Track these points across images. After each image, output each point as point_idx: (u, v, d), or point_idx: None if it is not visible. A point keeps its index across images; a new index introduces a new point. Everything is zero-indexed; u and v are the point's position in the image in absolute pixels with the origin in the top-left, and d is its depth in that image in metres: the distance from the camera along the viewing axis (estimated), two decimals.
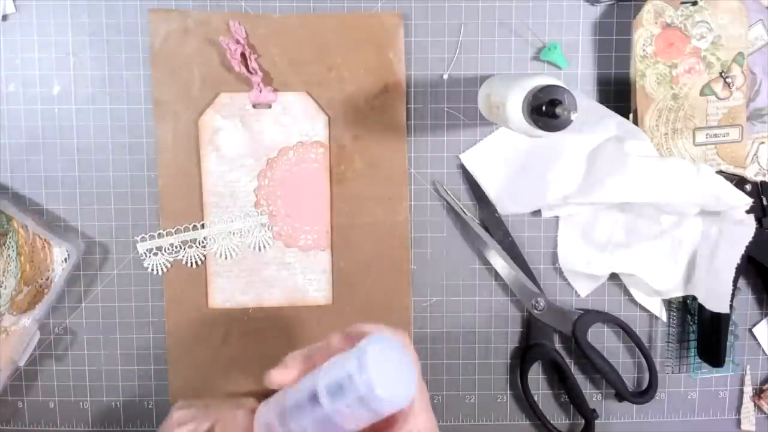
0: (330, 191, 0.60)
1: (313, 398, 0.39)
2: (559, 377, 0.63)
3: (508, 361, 0.64)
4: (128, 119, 0.60)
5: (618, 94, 0.61)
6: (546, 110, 0.46)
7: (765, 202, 0.60)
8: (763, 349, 0.64)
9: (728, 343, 0.61)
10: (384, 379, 0.37)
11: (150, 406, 0.62)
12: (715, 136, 0.60)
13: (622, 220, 0.61)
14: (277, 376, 0.43)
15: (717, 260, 0.58)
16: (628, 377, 0.64)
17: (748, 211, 0.59)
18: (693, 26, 0.58)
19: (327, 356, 0.40)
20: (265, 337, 0.61)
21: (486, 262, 0.61)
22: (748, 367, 0.64)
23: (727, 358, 0.61)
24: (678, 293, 0.61)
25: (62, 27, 0.59)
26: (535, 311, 0.61)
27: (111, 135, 0.60)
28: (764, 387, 0.64)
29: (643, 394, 0.62)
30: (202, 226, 0.60)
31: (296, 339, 0.61)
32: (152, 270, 0.60)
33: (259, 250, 0.61)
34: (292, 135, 0.60)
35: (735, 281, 0.58)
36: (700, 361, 0.63)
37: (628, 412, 0.64)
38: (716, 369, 0.62)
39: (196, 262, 0.60)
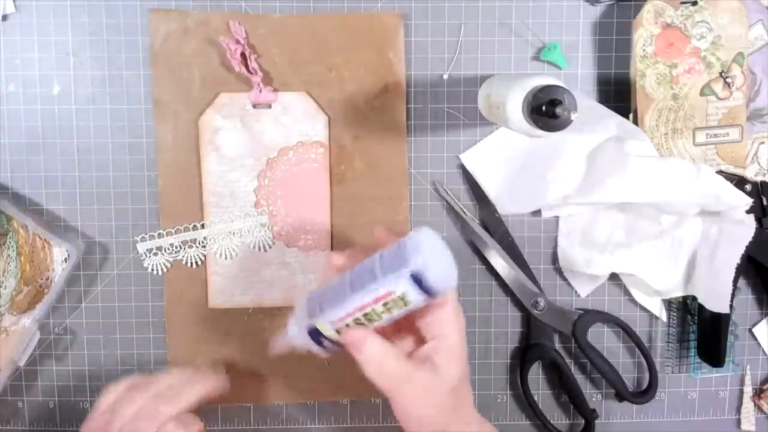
0: (330, 191, 0.60)
1: (371, 276, 0.43)
2: (559, 377, 0.63)
3: (508, 361, 0.64)
4: (128, 119, 0.60)
5: (618, 94, 0.61)
6: (546, 110, 0.46)
7: (765, 202, 0.60)
8: (763, 349, 0.64)
9: (728, 343, 0.61)
10: (434, 262, 0.41)
11: None
12: (715, 136, 0.60)
13: (622, 220, 0.61)
14: (336, 258, 0.47)
15: (717, 260, 0.58)
16: (628, 377, 0.64)
17: (748, 211, 0.59)
18: (693, 26, 0.58)
19: (373, 250, 0.44)
20: (265, 337, 0.61)
21: (486, 262, 0.61)
22: (748, 367, 0.64)
23: (727, 358, 0.61)
24: (678, 293, 0.61)
25: (62, 27, 0.59)
26: (535, 311, 0.61)
27: (111, 135, 0.60)
28: (764, 387, 0.64)
29: (643, 394, 0.62)
30: (202, 226, 0.60)
31: None
32: (152, 270, 0.60)
33: (259, 250, 0.61)
34: (292, 135, 0.60)
35: (735, 281, 0.58)
36: (700, 361, 0.63)
37: (628, 412, 0.64)
38: (716, 369, 0.62)
39: (196, 262, 0.60)
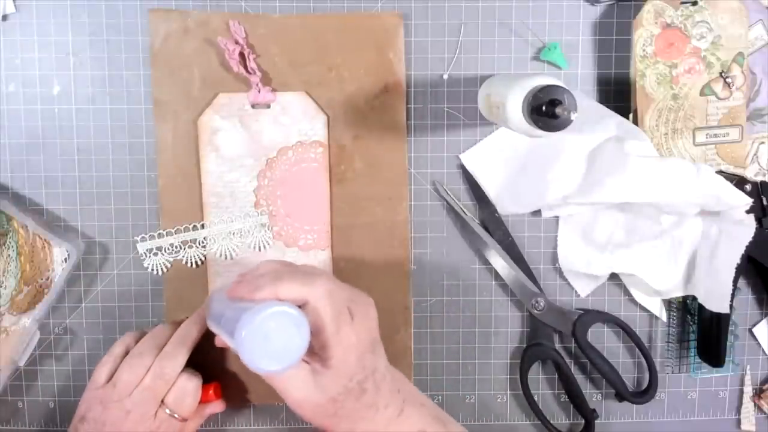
0: (330, 191, 0.60)
1: (218, 320, 0.49)
2: (559, 377, 0.63)
3: (508, 361, 0.64)
4: (128, 119, 0.60)
5: (618, 94, 0.61)
6: (546, 110, 0.46)
7: (765, 202, 0.60)
8: (763, 349, 0.64)
9: (728, 343, 0.61)
10: (258, 352, 0.42)
11: None
12: (715, 136, 0.60)
13: (622, 220, 0.61)
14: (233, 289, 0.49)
15: (717, 260, 0.58)
16: (628, 377, 0.64)
17: (748, 211, 0.59)
18: (693, 26, 0.58)
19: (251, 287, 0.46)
20: None
21: (486, 262, 0.61)
22: (748, 367, 0.64)
23: (727, 358, 0.61)
24: (678, 293, 0.61)
25: (62, 27, 0.59)
26: (535, 311, 0.61)
27: (111, 135, 0.60)
28: (764, 387, 0.64)
29: (643, 394, 0.62)
30: (202, 226, 0.60)
31: None
32: (152, 270, 0.60)
33: (259, 250, 0.61)
34: (291, 135, 0.60)
35: (735, 281, 0.58)
36: (700, 361, 0.63)
37: (628, 412, 0.64)
38: (716, 369, 0.62)
39: (196, 262, 0.60)
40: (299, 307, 0.45)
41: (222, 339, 0.51)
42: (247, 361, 0.42)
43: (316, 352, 0.47)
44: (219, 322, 0.49)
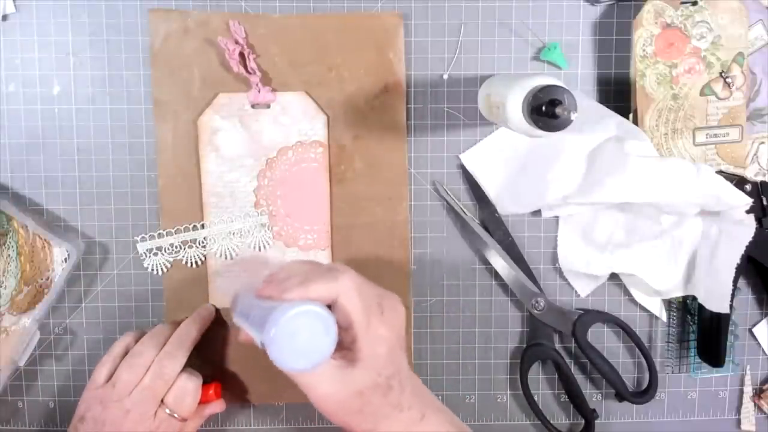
0: (330, 191, 0.60)
1: (247, 316, 0.49)
2: (559, 377, 0.63)
3: (508, 361, 0.64)
4: (128, 119, 0.60)
5: (618, 94, 0.61)
6: (546, 110, 0.46)
7: (765, 202, 0.60)
8: (763, 349, 0.64)
9: (728, 343, 0.61)
10: (286, 350, 0.43)
11: None
12: (715, 136, 0.60)
13: (622, 220, 0.61)
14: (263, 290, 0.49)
15: (717, 260, 0.58)
16: (628, 377, 0.64)
17: (748, 211, 0.59)
18: (693, 26, 0.58)
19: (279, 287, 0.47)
20: None
21: (486, 262, 0.61)
22: (748, 367, 0.64)
23: (727, 358, 0.61)
24: (678, 293, 0.61)
25: (62, 27, 0.59)
26: (535, 311, 0.61)
27: (111, 135, 0.60)
28: (764, 387, 0.64)
29: (643, 394, 0.62)
30: (202, 226, 0.60)
31: None
32: (152, 270, 0.60)
33: (259, 250, 0.61)
34: (290, 135, 0.60)
35: (735, 281, 0.58)
36: (700, 361, 0.63)
37: (628, 412, 0.64)
38: (716, 369, 0.62)
39: (196, 262, 0.60)
40: (329, 305, 0.45)
41: (246, 335, 0.51)
42: (275, 359, 0.42)
43: (346, 346, 0.46)
44: (247, 318, 0.48)
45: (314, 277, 0.46)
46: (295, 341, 0.43)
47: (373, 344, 0.46)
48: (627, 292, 0.63)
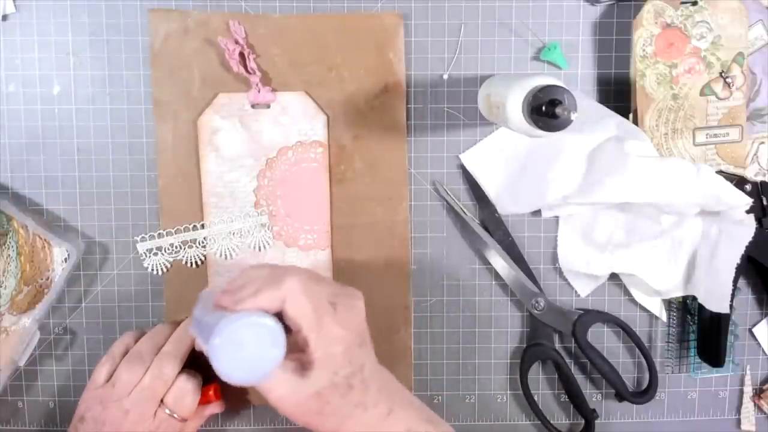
0: (330, 191, 0.60)
1: (197, 325, 0.49)
2: (559, 377, 0.63)
3: (508, 361, 0.64)
4: (128, 119, 0.60)
5: (618, 94, 0.61)
6: (546, 110, 0.46)
7: (765, 202, 0.60)
8: (763, 349, 0.64)
9: (728, 343, 0.61)
10: (231, 362, 0.42)
11: None
12: (715, 136, 0.60)
13: (622, 220, 0.61)
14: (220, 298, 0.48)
15: (717, 260, 0.58)
16: (628, 377, 0.64)
17: (748, 211, 0.59)
18: (693, 26, 0.58)
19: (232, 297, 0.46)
20: None
21: (486, 262, 0.61)
22: (748, 367, 0.64)
23: (727, 358, 0.61)
24: (678, 293, 0.61)
25: (62, 27, 0.59)
26: (535, 311, 0.61)
27: (111, 135, 0.60)
28: (764, 387, 0.64)
29: (643, 394, 0.62)
30: (202, 226, 0.60)
31: None
32: (152, 270, 0.60)
33: (259, 250, 0.61)
34: (290, 135, 0.60)
35: (735, 281, 0.58)
36: (700, 361, 0.63)
37: (628, 412, 0.64)
38: (716, 369, 0.62)
39: (196, 262, 0.60)
40: (280, 313, 0.45)
41: (200, 344, 0.50)
42: (220, 371, 0.42)
43: (300, 348, 0.46)
44: (198, 327, 0.48)
45: (263, 285, 0.45)
46: (240, 353, 0.42)
47: (326, 344, 0.45)
48: (627, 292, 0.63)
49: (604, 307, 0.63)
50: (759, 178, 0.61)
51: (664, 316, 0.63)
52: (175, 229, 0.60)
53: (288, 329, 0.45)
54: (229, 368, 0.42)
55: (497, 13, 0.60)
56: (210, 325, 0.43)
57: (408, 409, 0.48)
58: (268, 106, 0.59)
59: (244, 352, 0.42)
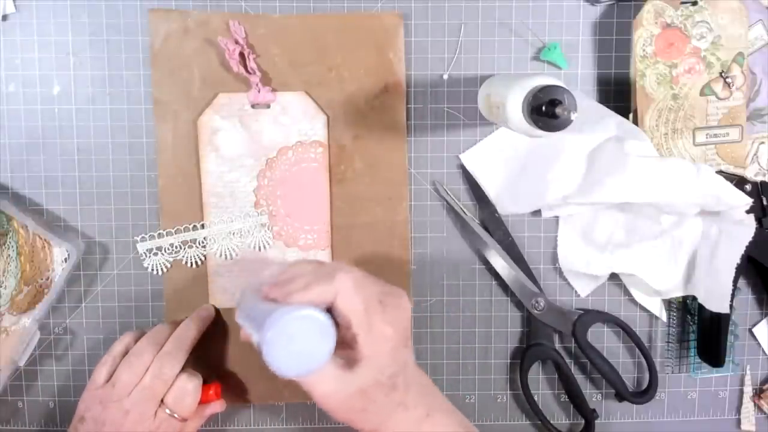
0: (330, 191, 0.60)
1: (247, 314, 0.48)
2: (559, 377, 0.63)
3: (508, 361, 0.64)
4: (128, 119, 0.60)
5: (618, 94, 0.61)
6: (546, 110, 0.46)
7: (765, 202, 0.60)
8: (763, 349, 0.64)
9: (728, 343, 0.61)
10: (281, 354, 0.42)
11: None
12: (715, 136, 0.60)
13: (622, 220, 0.61)
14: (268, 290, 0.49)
15: (717, 260, 0.58)
16: (628, 377, 0.64)
17: (748, 211, 0.59)
18: (693, 26, 0.58)
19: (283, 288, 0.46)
20: None
21: (486, 262, 0.61)
22: (748, 367, 0.64)
23: (727, 358, 0.61)
24: (678, 293, 0.61)
25: (62, 27, 0.59)
26: (535, 311, 0.61)
27: (111, 135, 0.60)
28: (764, 387, 0.64)
29: (643, 394, 0.62)
30: (202, 226, 0.60)
31: None
32: (152, 270, 0.60)
33: (259, 250, 0.61)
34: (290, 135, 0.60)
35: (735, 281, 0.58)
36: (700, 361, 0.63)
37: (628, 412, 0.64)
38: (716, 369, 0.62)
39: (196, 262, 0.60)
40: (330, 308, 0.45)
41: (246, 334, 0.50)
42: (270, 363, 0.42)
43: (349, 345, 0.46)
44: (248, 319, 0.48)
45: (314, 279, 0.46)
46: (290, 346, 0.42)
47: (375, 343, 0.45)
48: (627, 292, 0.63)
49: (604, 307, 0.63)
50: (759, 178, 0.61)
51: (664, 316, 0.63)
52: (175, 229, 0.60)
53: (335, 325, 0.45)
54: (279, 360, 0.42)
55: (497, 13, 0.60)
56: (261, 316, 0.43)
57: (445, 413, 0.49)
58: (268, 106, 0.59)
59: (295, 345, 0.42)
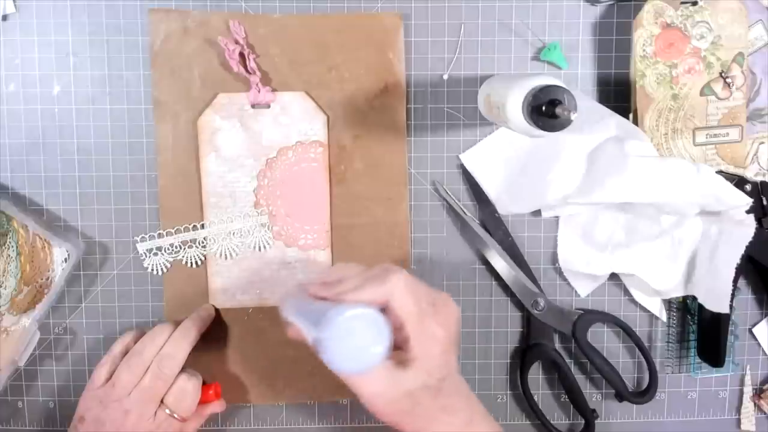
0: (330, 191, 0.60)
1: (302, 311, 0.48)
2: (559, 377, 0.63)
3: (508, 361, 0.64)
4: (128, 119, 0.60)
5: (618, 94, 0.61)
6: (546, 110, 0.46)
7: (765, 202, 0.60)
8: (763, 349, 0.64)
9: (728, 343, 0.61)
10: (339, 351, 0.42)
11: None
12: (715, 136, 0.60)
13: (622, 220, 0.61)
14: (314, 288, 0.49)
15: (717, 260, 0.58)
16: (628, 377, 0.64)
17: (748, 211, 0.59)
18: (693, 26, 0.58)
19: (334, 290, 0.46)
20: (265, 337, 0.61)
21: (486, 262, 0.61)
22: (748, 367, 0.64)
23: (727, 358, 0.61)
24: (678, 293, 0.61)
25: (62, 27, 0.59)
26: (535, 311, 0.61)
27: (111, 135, 0.60)
28: (764, 387, 0.64)
29: (643, 394, 0.62)
30: (202, 226, 0.60)
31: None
32: (152, 270, 0.60)
33: (259, 250, 0.61)
34: (290, 135, 0.60)
35: (735, 281, 0.58)
36: (700, 361, 0.63)
37: (628, 412, 0.64)
38: (716, 369, 0.62)
39: (196, 262, 0.60)
40: (382, 309, 0.45)
41: (294, 331, 0.49)
42: (327, 359, 0.42)
43: (399, 346, 0.46)
44: (302, 315, 0.48)
45: (367, 279, 0.46)
46: (347, 343, 0.42)
47: (426, 345, 0.45)
48: (627, 292, 0.63)
49: (604, 307, 0.63)
50: (759, 178, 0.61)
51: (664, 316, 0.63)
52: (175, 229, 0.60)
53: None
54: (336, 356, 0.42)
55: (497, 13, 0.60)
56: (317, 313, 0.44)
57: (484, 420, 0.49)
58: (268, 106, 0.59)
59: (352, 342, 0.42)
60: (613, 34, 0.61)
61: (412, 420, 0.46)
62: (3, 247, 0.58)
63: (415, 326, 0.45)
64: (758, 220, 0.59)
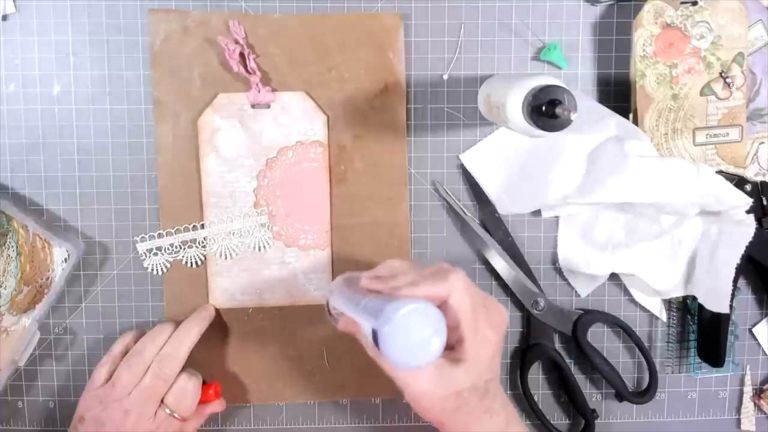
0: (330, 191, 0.60)
1: (357, 302, 0.47)
2: (559, 377, 0.63)
3: (508, 361, 0.64)
4: (128, 119, 0.60)
5: (618, 94, 0.61)
6: (546, 110, 0.46)
7: (765, 202, 0.60)
8: (763, 349, 0.64)
9: (728, 343, 0.61)
10: (398, 344, 0.41)
11: None
12: (715, 136, 0.60)
13: (622, 220, 0.61)
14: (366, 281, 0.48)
15: (717, 260, 0.58)
16: (628, 377, 0.64)
17: (748, 211, 0.59)
18: (693, 26, 0.58)
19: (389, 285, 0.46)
20: (265, 337, 0.61)
21: (486, 262, 0.61)
22: (748, 367, 0.64)
23: (727, 358, 0.61)
24: (678, 293, 0.61)
25: (62, 27, 0.59)
26: (535, 311, 0.61)
27: (111, 135, 0.60)
28: (764, 387, 0.64)
29: (643, 394, 0.62)
30: (202, 226, 0.60)
31: (296, 338, 0.62)
32: (152, 270, 0.60)
33: (259, 250, 0.61)
34: (290, 135, 0.60)
35: (735, 281, 0.58)
36: (700, 361, 0.63)
37: (628, 412, 0.64)
38: (716, 369, 0.62)
39: (196, 262, 0.60)
40: (438, 306, 0.44)
41: (346, 324, 0.48)
42: (386, 351, 0.41)
43: (451, 345, 0.46)
44: (358, 307, 0.47)
45: (424, 275, 0.45)
46: (407, 337, 0.42)
47: (479, 346, 0.45)
48: (627, 292, 0.63)
49: (604, 307, 0.63)
50: (759, 178, 0.61)
51: (664, 316, 0.63)
52: (175, 229, 0.60)
53: None
54: (394, 349, 0.42)
55: (497, 13, 0.60)
56: (375, 307, 0.43)
57: (518, 423, 0.49)
58: (268, 106, 0.59)
59: (410, 337, 0.42)
60: (613, 34, 0.61)
61: (456, 419, 0.46)
62: (3, 247, 0.58)
63: (470, 327, 0.45)
64: (758, 220, 0.59)
